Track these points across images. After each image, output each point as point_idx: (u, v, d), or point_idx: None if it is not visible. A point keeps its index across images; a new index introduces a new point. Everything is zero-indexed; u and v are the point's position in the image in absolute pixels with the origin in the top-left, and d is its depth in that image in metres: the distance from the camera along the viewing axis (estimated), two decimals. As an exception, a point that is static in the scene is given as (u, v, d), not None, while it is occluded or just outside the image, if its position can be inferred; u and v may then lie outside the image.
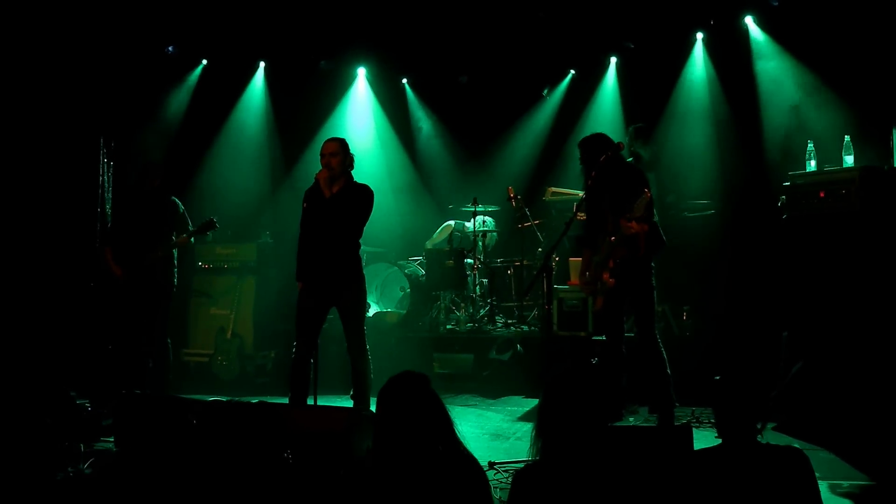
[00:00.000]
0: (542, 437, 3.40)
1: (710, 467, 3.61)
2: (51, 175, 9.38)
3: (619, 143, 6.97)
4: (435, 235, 11.32)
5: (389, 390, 3.54)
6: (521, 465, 4.34)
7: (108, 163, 9.72)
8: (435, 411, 3.51)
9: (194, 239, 8.51)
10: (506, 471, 5.84)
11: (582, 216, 7.41)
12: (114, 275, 8.23)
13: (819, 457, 6.03)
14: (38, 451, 3.49)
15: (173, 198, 8.50)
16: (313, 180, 7.05)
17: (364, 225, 7.16)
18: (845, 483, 5.57)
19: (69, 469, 5.86)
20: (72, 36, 9.38)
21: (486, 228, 10.82)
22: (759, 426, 3.69)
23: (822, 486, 5.21)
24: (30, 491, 3.40)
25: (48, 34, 9.19)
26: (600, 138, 7.07)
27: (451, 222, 11.23)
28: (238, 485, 3.59)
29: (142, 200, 8.37)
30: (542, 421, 3.42)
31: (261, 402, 5.51)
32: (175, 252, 8.38)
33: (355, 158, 7.25)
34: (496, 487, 5.36)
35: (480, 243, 10.65)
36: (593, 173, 6.85)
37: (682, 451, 4.60)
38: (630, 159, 8.82)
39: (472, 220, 10.67)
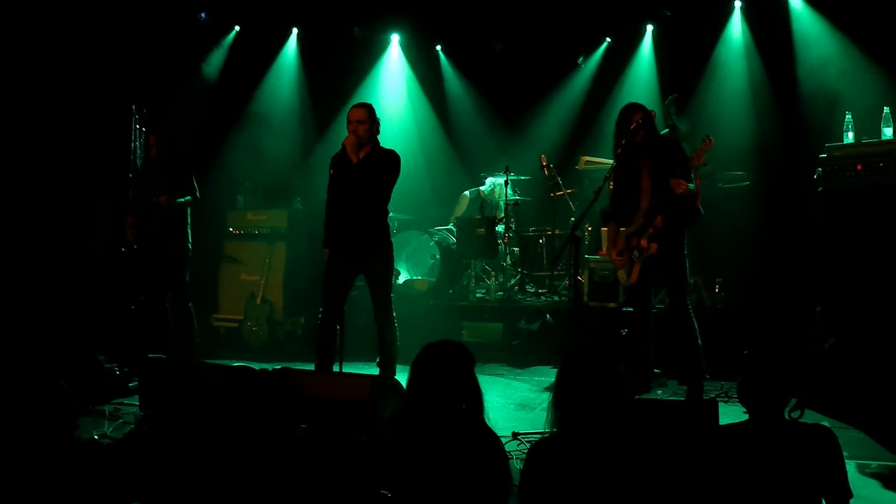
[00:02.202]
0: (559, 409, 3.37)
1: (734, 443, 3.56)
2: (84, 142, 9.42)
3: (651, 111, 6.88)
4: (455, 209, 11.29)
5: (425, 357, 3.53)
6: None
7: (140, 129, 9.70)
8: (467, 384, 3.49)
9: (191, 198, 8.41)
10: (529, 441, 5.80)
11: (612, 185, 7.35)
12: (129, 242, 8.30)
13: (848, 436, 5.93)
14: (49, 413, 3.47)
15: (183, 164, 8.47)
16: (340, 147, 7.01)
17: (391, 190, 7.13)
18: (874, 463, 5.49)
19: (93, 432, 5.95)
20: (105, 3, 9.36)
21: (497, 189, 10.75)
22: (791, 407, 3.63)
23: (851, 466, 5.13)
24: (38, 452, 3.39)
25: (82, 2, 9.19)
26: (631, 106, 6.98)
27: (467, 192, 11.22)
28: (252, 452, 3.58)
29: (146, 169, 8.49)
30: (558, 393, 3.39)
31: (279, 370, 5.51)
32: (188, 216, 8.37)
33: (388, 126, 7.21)
34: (519, 458, 5.33)
35: (501, 202, 10.56)
36: (623, 141, 6.77)
37: (706, 426, 4.52)
38: (666, 130, 8.73)
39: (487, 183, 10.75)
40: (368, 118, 6.96)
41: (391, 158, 7.06)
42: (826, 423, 3.87)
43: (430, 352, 3.55)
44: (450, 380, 3.49)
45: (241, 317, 10.13)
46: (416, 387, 3.52)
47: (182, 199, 8.25)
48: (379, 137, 7.12)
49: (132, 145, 9.57)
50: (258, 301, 10.08)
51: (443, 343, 3.59)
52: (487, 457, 3.45)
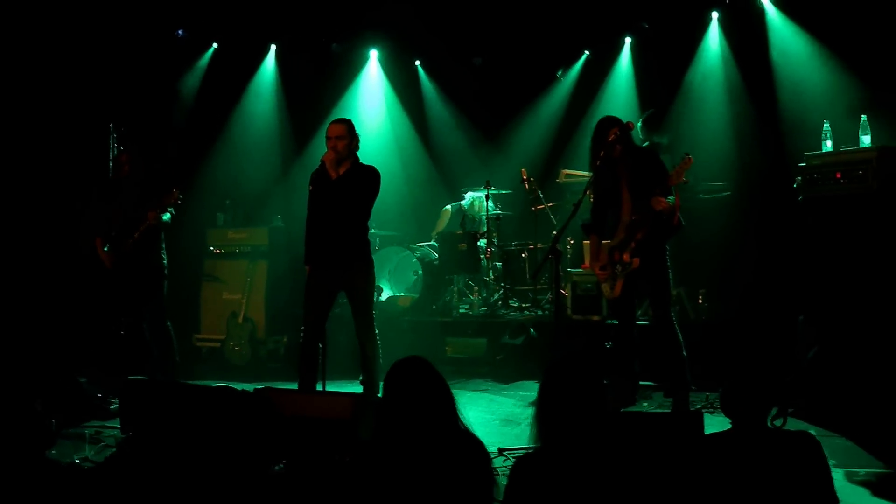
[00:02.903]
0: (542, 424, 3.35)
1: (719, 452, 3.56)
2: (60, 162, 9.34)
3: (628, 122, 6.90)
4: (437, 223, 11.27)
5: (393, 375, 3.52)
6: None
7: (118, 148, 9.66)
8: (437, 394, 3.48)
9: (170, 215, 8.31)
10: (515, 457, 5.75)
11: (592, 198, 7.35)
12: (103, 264, 8.21)
13: (835, 444, 5.93)
14: (24, 435, 3.43)
15: (155, 181, 8.39)
16: (319, 163, 6.98)
17: (371, 206, 7.10)
18: (862, 471, 5.47)
19: (74, 455, 5.89)
20: (81, 21, 9.32)
21: (478, 203, 10.76)
22: (773, 415, 3.63)
23: (838, 474, 5.14)
24: (12, 475, 3.35)
25: (57, 19, 9.14)
26: (607, 120, 7.00)
27: (448, 207, 11.19)
28: (235, 473, 3.55)
29: (117, 189, 8.34)
30: (541, 407, 3.37)
31: (260, 391, 5.46)
32: (162, 234, 8.30)
33: (367, 142, 7.19)
34: (504, 475, 5.28)
35: (483, 217, 10.54)
36: (602, 154, 6.78)
37: (691, 436, 4.50)
38: (646, 143, 8.75)
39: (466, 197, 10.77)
40: (348, 134, 6.93)
41: (371, 174, 7.03)
42: (813, 432, 3.86)
43: (394, 370, 3.55)
44: (414, 388, 3.46)
45: (223, 336, 10.06)
46: (388, 403, 3.50)
47: (167, 216, 8.19)
48: (359, 153, 7.09)
49: (109, 164, 9.54)
50: (240, 320, 10.02)
51: (404, 360, 3.58)
52: (467, 456, 3.43)
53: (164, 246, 8.34)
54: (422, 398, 3.45)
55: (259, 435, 3.70)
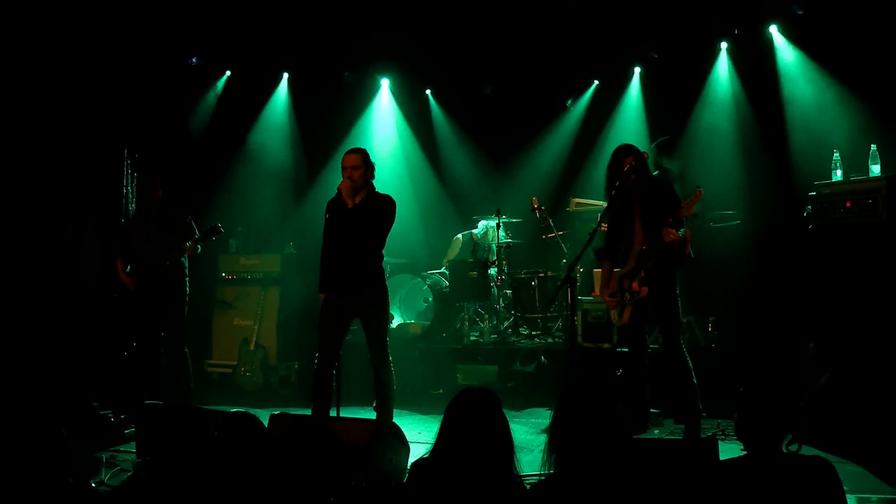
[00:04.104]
0: (556, 450, 3.38)
1: (735, 478, 3.58)
2: (75, 186, 9.41)
3: (643, 152, 6.96)
4: (448, 251, 11.33)
5: (460, 404, 3.53)
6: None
7: (132, 174, 9.75)
8: (499, 433, 3.49)
9: (201, 247, 8.48)
10: (529, 484, 5.78)
11: (605, 227, 7.41)
12: (125, 287, 8.30)
13: (847, 470, 5.93)
14: (51, 460, 3.47)
15: (182, 208, 8.52)
16: (336, 191, 7.05)
17: (386, 235, 7.18)
18: (874, 497, 5.49)
19: (90, 479, 5.91)
20: (97, 48, 9.41)
21: (490, 231, 10.84)
22: (788, 442, 3.67)
23: (851, 500, 5.15)
24: (41, 500, 3.39)
25: (74, 46, 9.23)
26: (624, 149, 7.06)
27: (459, 235, 11.26)
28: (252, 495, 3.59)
29: (147, 212, 8.46)
30: (554, 434, 3.40)
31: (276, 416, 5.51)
32: (185, 262, 8.41)
33: (379, 170, 7.27)
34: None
35: (494, 245, 10.61)
36: (617, 182, 6.84)
37: (706, 463, 4.53)
38: (656, 172, 8.80)
39: (479, 226, 10.88)
40: (363, 163, 7.02)
41: (387, 203, 7.12)
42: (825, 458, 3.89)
43: (465, 397, 3.55)
44: (483, 426, 3.48)
45: (235, 362, 10.11)
46: (449, 431, 3.51)
47: (199, 246, 8.31)
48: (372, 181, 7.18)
49: (124, 189, 9.61)
50: (252, 346, 10.07)
51: (477, 389, 3.58)
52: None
53: (187, 273, 8.44)
54: (484, 434, 3.47)
55: (278, 460, 3.74)
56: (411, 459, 5.52)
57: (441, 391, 9.43)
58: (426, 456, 3.63)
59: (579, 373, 8.16)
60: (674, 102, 10.65)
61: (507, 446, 3.50)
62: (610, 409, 3.39)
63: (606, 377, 8.31)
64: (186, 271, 8.45)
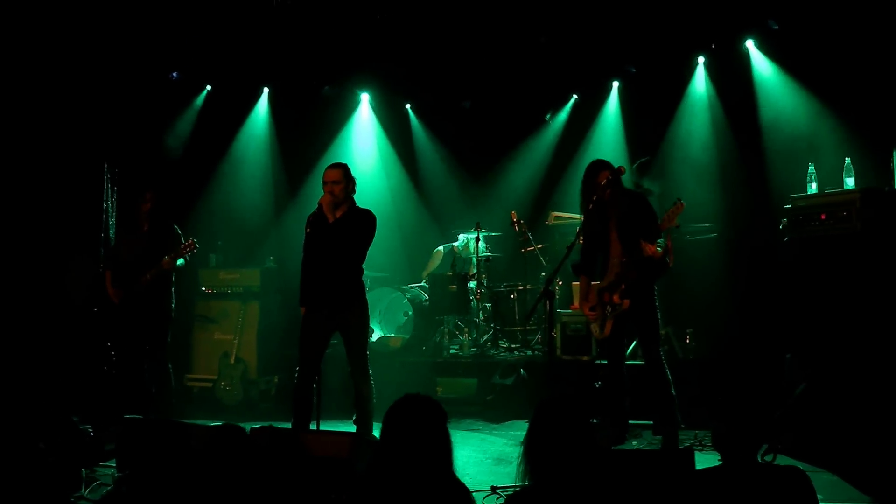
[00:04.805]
0: (531, 461, 3.41)
1: (710, 487, 3.62)
2: (55, 200, 9.36)
3: (619, 167, 7.02)
4: (427, 264, 11.36)
5: (397, 410, 3.54)
6: (523, 489, 4.32)
7: (112, 188, 9.74)
8: (436, 436, 3.51)
9: (184, 261, 8.48)
10: (507, 495, 5.82)
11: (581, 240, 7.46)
12: (110, 300, 8.30)
13: (822, 479, 6.01)
14: (30, 475, 3.48)
15: (170, 222, 8.52)
16: (317, 205, 7.08)
17: (367, 249, 7.22)
18: (848, 505, 5.56)
19: (70, 495, 5.90)
20: (76, 62, 9.40)
21: (470, 244, 10.85)
22: (763, 452, 3.71)
23: (826, 509, 5.22)
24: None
25: (53, 60, 9.21)
26: (598, 164, 7.13)
27: (440, 248, 11.29)
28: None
29: (135, 225, 8.44)
30: (530, 446, 3.43)
31: (256, 429, 5.52)
32: (173, 276, 8.41)
33: (359, 184, 7.29)
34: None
35: (473, 259, 10.66)
36: (594, 197, 6.90)
37: (682, 473, 4.57)
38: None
39: (459, 239, 10.90)
40: (343, 178, 7.06)
41: (367, 218, 7.16)
42: (800, 467, 3.94)
43: (401, 405, 3.56)
44: (419, 432, 3.49)
45: (215, 376, 10.07)
46: (388, 439, 3.53)
47: (181, 261, 8.31)
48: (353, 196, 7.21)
49: (104, 204, 9.59)
50: (232, 360, 10.04)
51: (414, 396, 3.58)
52: None
53: (173, 290, 8.44)
54: (420, 438, 3.47)
55: (260, 474, 3.75)
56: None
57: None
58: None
59: (559, 385, 8.20)
60: (652, 116, 10.75)
61: (444, 448, 3.50)
62: (584, 421, 3.42)
63: (584, 390, 8.35)
64: (173, 289, 8.45)
